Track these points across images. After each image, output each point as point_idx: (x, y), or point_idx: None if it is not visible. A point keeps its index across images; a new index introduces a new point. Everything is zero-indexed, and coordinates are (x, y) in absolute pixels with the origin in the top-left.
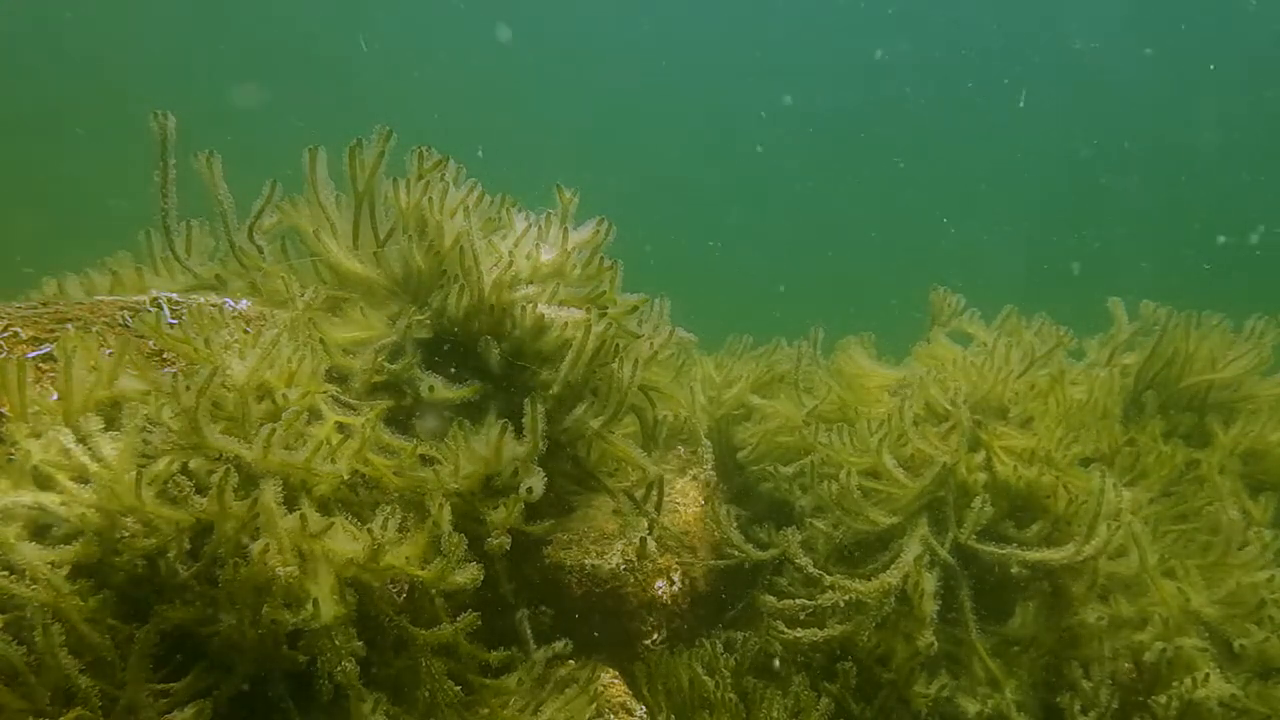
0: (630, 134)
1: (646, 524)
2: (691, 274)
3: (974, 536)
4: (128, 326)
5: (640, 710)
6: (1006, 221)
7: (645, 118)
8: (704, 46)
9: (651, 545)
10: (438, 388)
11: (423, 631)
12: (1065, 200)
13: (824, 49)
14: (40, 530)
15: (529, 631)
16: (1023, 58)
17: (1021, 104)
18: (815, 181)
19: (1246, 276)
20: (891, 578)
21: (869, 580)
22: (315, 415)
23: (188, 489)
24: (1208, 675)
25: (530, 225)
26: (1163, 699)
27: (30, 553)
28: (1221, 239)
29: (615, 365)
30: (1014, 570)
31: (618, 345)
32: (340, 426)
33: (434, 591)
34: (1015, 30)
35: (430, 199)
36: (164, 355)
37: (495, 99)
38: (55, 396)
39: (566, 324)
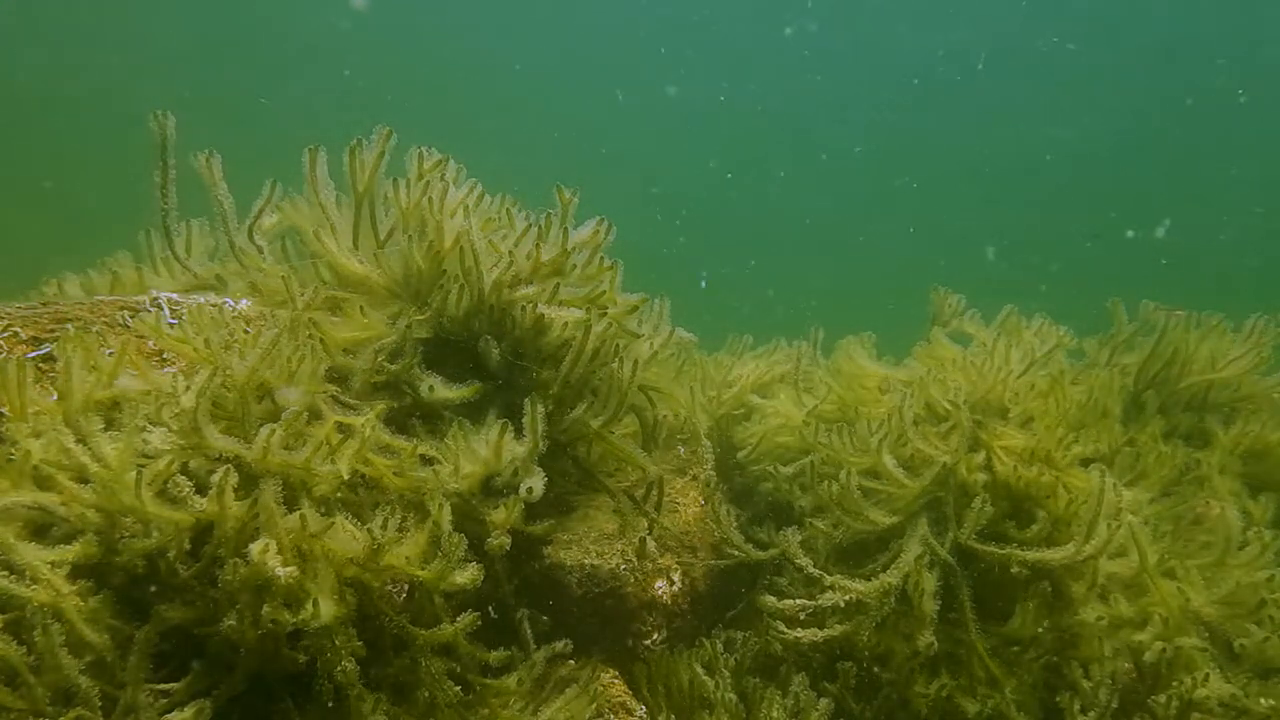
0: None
1: (646, 524)
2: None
3: (974, 536)
4: (128, 326)
5: (640, 710)
6: (930, 210)
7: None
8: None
9: (651, 545)
10: (438, 388)
11: (423, 631)
12: (988, 190)
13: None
14: (40, 530)
15: (529, 631)
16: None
17: (980, 66)
18: (735, 172)
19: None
20: (892, 578)
21: (869, 580)
22: (315, 415)
23: (188, 489)
24: (1208, 675)
25: (530, 225)
26: (1163, 699)
27: (30, 553)
28: (1130, 233)
29: (615, 365)
30: (1014, 570)
31: (618, 345)
32: (340, 426)
33: (434, 591)
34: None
35: (430, 199)
36: (164, 355)
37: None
38: (55, 396)
39: (566, 324)
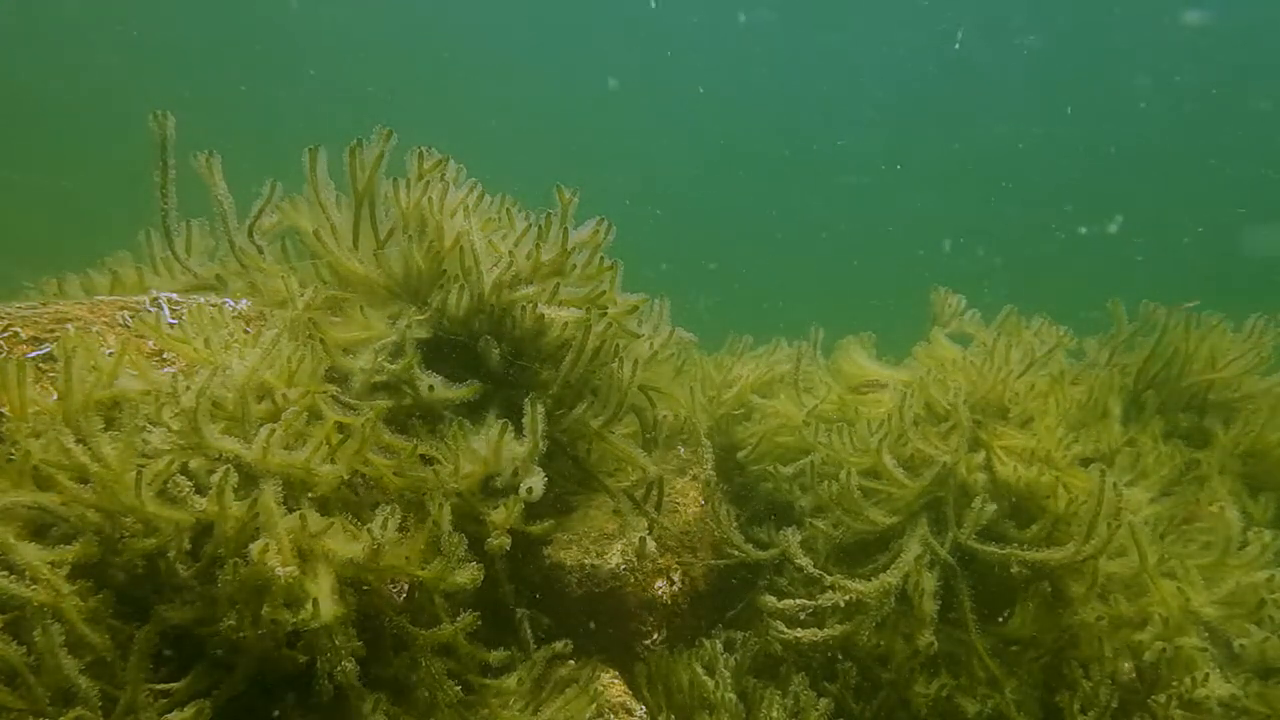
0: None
1: (646, 524)
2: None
3: (974, 536)
4: (128, 326)
5: (640, 710)
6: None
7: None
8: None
9: (651, 545)
10: (438, 388)
11: (423, 631)
12: (947, 186)
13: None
14: (40, 530)
15: (529, 631)
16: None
17: (959, 45)
18: (700, 170)
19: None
20: (892, 578)
21: (869, 580)
22: (315, 415)
23: (187, 489)
24: (1208, 675)
25: (530, 225)
26: (1162, 699)
27: (30, 553)
28: (1083, 229)
29: (615, 365)
30: (1014, 570)
31: (618, 345)
32: (340, 426)
33: (434, 591)
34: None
35: (430, 199)
36: (164, 355)
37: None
38: (55, 396)
39: (566, 324)
